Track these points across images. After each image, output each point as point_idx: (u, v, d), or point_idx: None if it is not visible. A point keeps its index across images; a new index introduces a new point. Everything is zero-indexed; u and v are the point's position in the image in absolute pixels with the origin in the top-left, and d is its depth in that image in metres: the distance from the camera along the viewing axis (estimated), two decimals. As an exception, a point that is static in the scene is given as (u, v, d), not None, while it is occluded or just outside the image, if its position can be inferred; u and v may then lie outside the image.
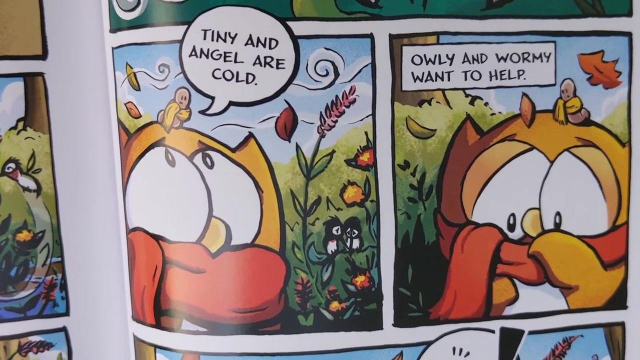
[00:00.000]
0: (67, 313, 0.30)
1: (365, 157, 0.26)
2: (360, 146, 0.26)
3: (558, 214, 0.28)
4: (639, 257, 0.29)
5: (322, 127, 0.26)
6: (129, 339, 0.29)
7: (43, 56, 0.28)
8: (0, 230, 0.29)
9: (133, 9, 0.26)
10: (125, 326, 0.29)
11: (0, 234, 0.29)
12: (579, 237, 0.28)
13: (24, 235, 0.29)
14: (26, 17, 0.28)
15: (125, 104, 0.27)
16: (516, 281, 0.28)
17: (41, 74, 0.28)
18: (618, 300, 0.29)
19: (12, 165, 0.29)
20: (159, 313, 0.27)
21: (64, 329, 0.30)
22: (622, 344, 0.29)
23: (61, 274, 0.30)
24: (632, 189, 0.28)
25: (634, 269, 0.29)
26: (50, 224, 0.29)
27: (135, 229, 0.27)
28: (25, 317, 0.30)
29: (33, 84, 0.28)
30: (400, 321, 0.27)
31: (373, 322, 0.27)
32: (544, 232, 0.28)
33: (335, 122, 0.26)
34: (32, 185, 0.29)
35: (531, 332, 0.28)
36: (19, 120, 0.29)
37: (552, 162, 0.27)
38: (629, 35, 0.27)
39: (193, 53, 0.25)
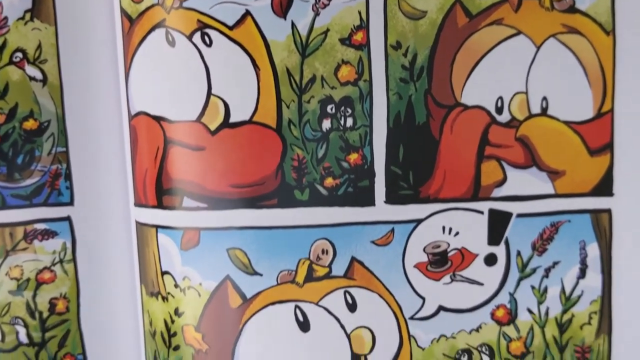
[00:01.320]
0: (71, 203, 0.31)
1: (359, 37, 0.27)
2: (354, 25, 0.27)
3: (544, 98, 0.29)
4: (624, 144, 0.30)
5: (317, 5, 0.27)
6: (132, 227, 0.30)
7: None
8: (7, 118, 0.30)
9: None
10: (127, 215, 0.30)
11: (7, 121, 0.30)
12: (565, 123, 0.29)
13: (30, 124, 0.30)
14: None
15: None
16: (504, 164, 0.29)
17: None
18: (604, 187, 0.30)
19: (20, 54, 0.30)
20: (160, 193, 0.28)
21: (68, 219, 0.31)
22: (609, 231, 0.30)
23: (66, 164, 0.31)
24: (617, 77, 0.29)
25: (619, 156, 0.30)
26: (55, 114, 0.30)
27: (137, 114, 0.29)
28: (31, 204, 0.31)
29: None
30: (392, 198, 0.28)
31: (366, 199, 0.28)
32: (531, 116, 0.29)
33: (330, 0, 0.27)
34: (39, 75, 0.30)
35: (519, 215, 0.29)
36: (26, 12, 0.30)
37: (538, 48, 0.28)
38: None
39: None
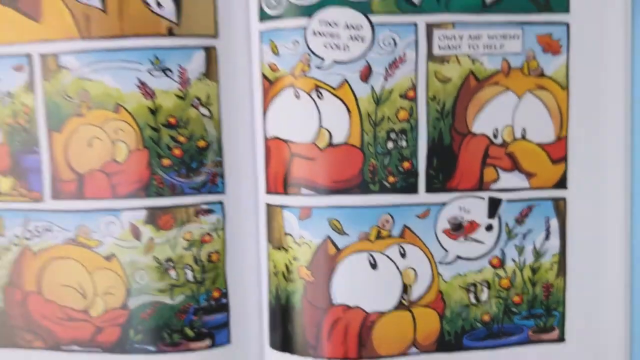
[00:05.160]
0: (223, 192, 0.43)
1: (411, 93, 0.44)
2: (408, 87, 0.45)
3: (524, 129, 0.45)
4: (574, 157, 0.44)
5: (386, 76, 0.44)
6: (262, 207, 0.44)
7: (215, 36, 0.42)
8: (187, 140, 0.42)
9: (275, 8, 0.45)
10: (259, 199, 0.43)
11: (188, 141, 0.42)
12: (537, 144, 0.45)
13: (201, 143, 0.42)
14: (207, 12, 0.42)
15: (268, 64, 0.45)
16: (498, 169, 0.44)
17: (214, 47, 0.42)
18: (561, 183, 0.44)
19: (197, 100, 0.42)
20: (286, 186, 0.45)
21: (221, 202, 0.43)
22: (564, 211, 0.45)
23: (221, 167, 0.43)
24: (569, 116, 0.45)
25: (571, 165, 0.44)
26: (216, 137, 0.42)
27: (272, 138, 0.45)
28: (200, 192, 0.42)
29: (210, 53, 0.42)
30: (429, 189, 0.45)
31: (413, 189, 0.45)
32: (515, 139, 0.44)
33: (394, 73, 0.44)
34: (207, 113, 0.42)
35: (507, 200, 0.46)
36: (201, 74, 0.42)
37: (520, 98, 0.44)
38: (567, 24, 0.44)
39: (313, 33, 0.44)
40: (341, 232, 0.42)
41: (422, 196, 0.43)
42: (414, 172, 0.43)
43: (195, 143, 0.43)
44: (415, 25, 0.41)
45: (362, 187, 0.42)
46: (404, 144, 0.42)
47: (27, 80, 0.43)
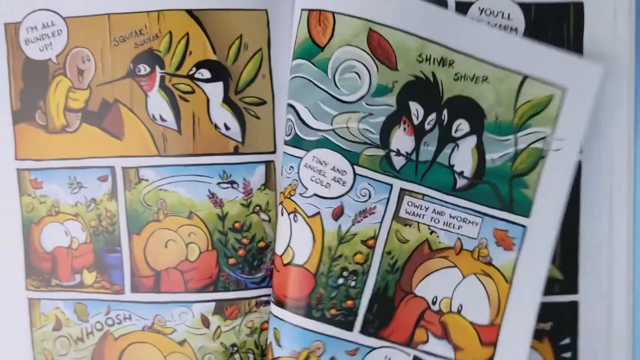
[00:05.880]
0: None
1: (371, 242, 0.51)
2: (370, 236, 0.51)
3: (461, 305, 0.51)
4: (503, 345, 0.51)
5: (355, 220, 0.51)
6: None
7: (274, 151, 0.50)
8: (250, 241, 0.50)
9: (288, 135, 0.52)
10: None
11: (250, 242, 0.50)
12: (470, 322, 0.52)
13: (261, 244, 0.50)
14: (267, 132, 0.51)
15: (279, 180, 0.52)
16: (429, 333, 0.51)
17: (272, 161, 0.50)
18: None
19: (258, 207, 0.50)
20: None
21: None
22: None
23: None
24: (507, 306, 0.52)
25: (499, 351, 0.51)
26: (274, 238, 0.49)
27: None
28: (260, 286, 0.50)
29: (269, 166, 0.50)
30: (363, 331, 0.50)
31: (349, 327, 0.50)
32: (451, 312, 0.51)
33: (362, 220, 0.51)
34: (266, 218, 0.50)
35: (430, 365, 0.51)
36: (261, 185, 0.50)
37: (464, 277, 0.51)
38: (525, 227, 0.52)
39: (304, 165, 0.51)
40: (278, 342, 0.49)
41: (356, 335, 0.48)
42: (354, 312, 0.48)
43: (256, 244, 0.50)
44: (391, 186, 0.48)
45: (306, 310, 0.47)
46: (352, 284, 0.48)
47: (111, 189, 0.50)
